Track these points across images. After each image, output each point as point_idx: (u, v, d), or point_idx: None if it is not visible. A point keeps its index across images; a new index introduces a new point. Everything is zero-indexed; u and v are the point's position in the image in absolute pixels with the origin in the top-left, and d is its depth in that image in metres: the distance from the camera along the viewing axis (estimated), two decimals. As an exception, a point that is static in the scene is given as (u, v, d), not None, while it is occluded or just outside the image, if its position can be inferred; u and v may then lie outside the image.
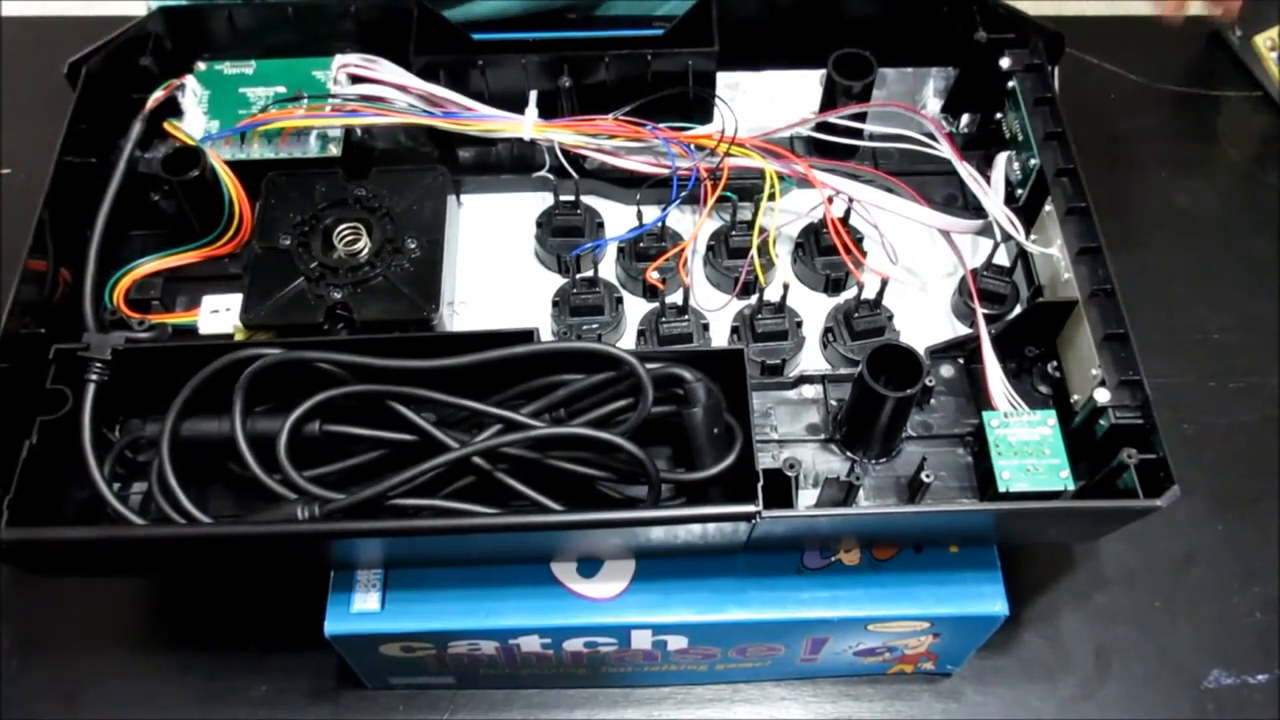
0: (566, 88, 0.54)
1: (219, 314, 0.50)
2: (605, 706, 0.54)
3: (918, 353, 0.45)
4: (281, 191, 0.52)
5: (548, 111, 0.54)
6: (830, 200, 0.52)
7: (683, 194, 0.52)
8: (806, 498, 0.47)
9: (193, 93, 0.55)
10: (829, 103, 0.56)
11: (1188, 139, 0.73)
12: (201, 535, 0.43)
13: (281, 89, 0.55)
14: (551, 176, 0.54)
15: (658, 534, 0.44)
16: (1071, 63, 0.56)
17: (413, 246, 0.50)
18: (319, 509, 0.42)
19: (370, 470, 0.45)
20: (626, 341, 0.52)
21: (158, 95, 0.54)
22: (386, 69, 0.54)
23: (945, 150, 0.54)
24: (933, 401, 0.50)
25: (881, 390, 0.44)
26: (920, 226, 0.54)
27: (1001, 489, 0.44)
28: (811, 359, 0.52)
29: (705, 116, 0.54)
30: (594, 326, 0.51)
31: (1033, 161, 0.52)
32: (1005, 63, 0.54)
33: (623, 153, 0.54)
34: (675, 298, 0.51)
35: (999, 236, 0.51)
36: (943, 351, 0.50)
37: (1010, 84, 0.54)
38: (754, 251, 0.51)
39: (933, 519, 0.45)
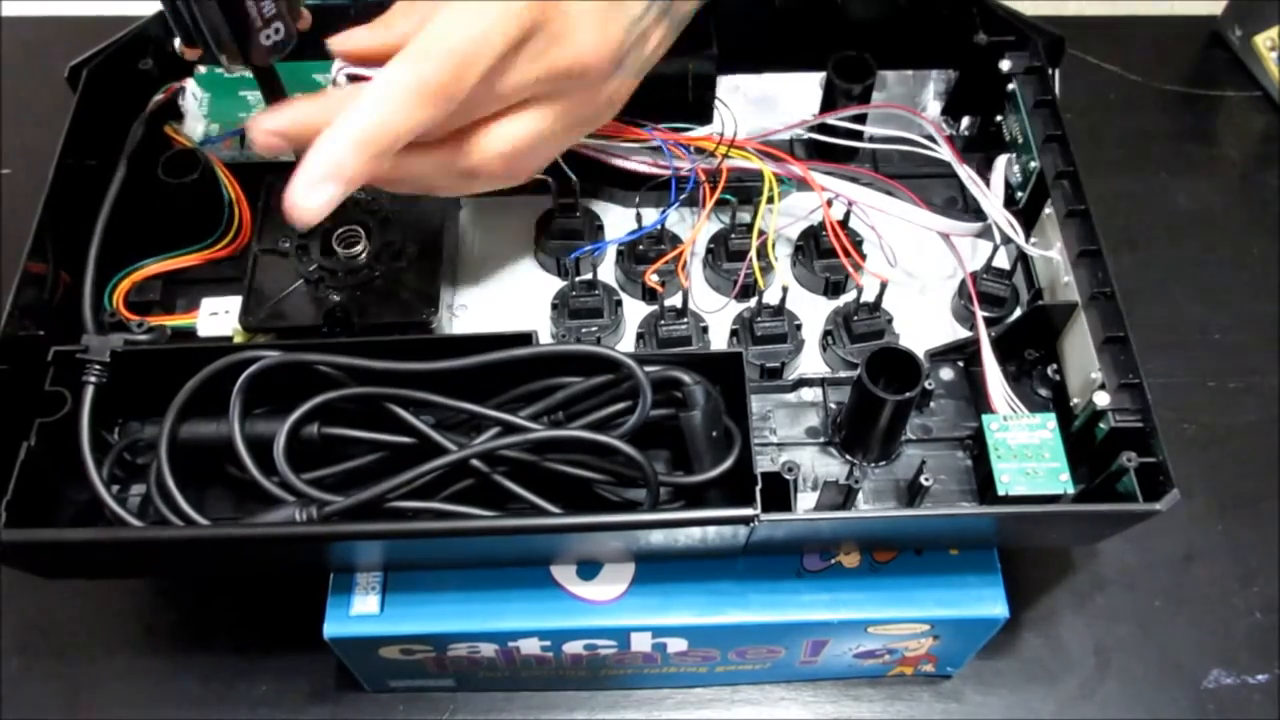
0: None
1: (218, 316, 0.50)
2: (605, 708, 0.54)
3: (917, 356, 0.45)
4: (281, 194, 0.52)
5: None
6: (829, 203, 0.52)
7: (682, 196, 0.52)
8: (806, 501, 0.47)
9: (193, 95, 0.55)
10: (829, 105, 0.56)
11: (1188, 139, 0.73)
12: (199, 537, 0.43)
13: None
14: (550, 178, 0.54)
15: (656, 537, 0.44)
16: (1071, 63, 0.56)
17: (412, 249, 0.50)
18: (316, 511, 0.42)
19: (369, 473, 0.45)
20: (626, 344, 0.52)
21: (158, 98, 0.54)
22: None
23: (945, 153, 0.54)
24: (932, 405, 0.50)
25: (881, 393, 0.44)
26: (920, 229, 0.54)
27: (1001, 492, 0.44)
28: (811, 362, 0.52)
29: (705, 118, 0.54)
30: (593, 329, 0.51)
31: (1033, 164, 0.52)
32: (1005, 65, 0.54)
33: (622, 153, 0.53)
34: (674, 300, 0.51)
35: (999, 239, 0.51)
36: (942, 354, 0.50)
37: (1010, 86, 0.53)
38: (753, 254, 0.51)
39: (932, 523, 0.45)
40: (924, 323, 0.52)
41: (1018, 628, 0.55)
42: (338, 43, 0.43)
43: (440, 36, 0.38)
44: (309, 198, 0.38)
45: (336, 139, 0.38)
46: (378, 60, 0.40)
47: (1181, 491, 0.41)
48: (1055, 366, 0.49)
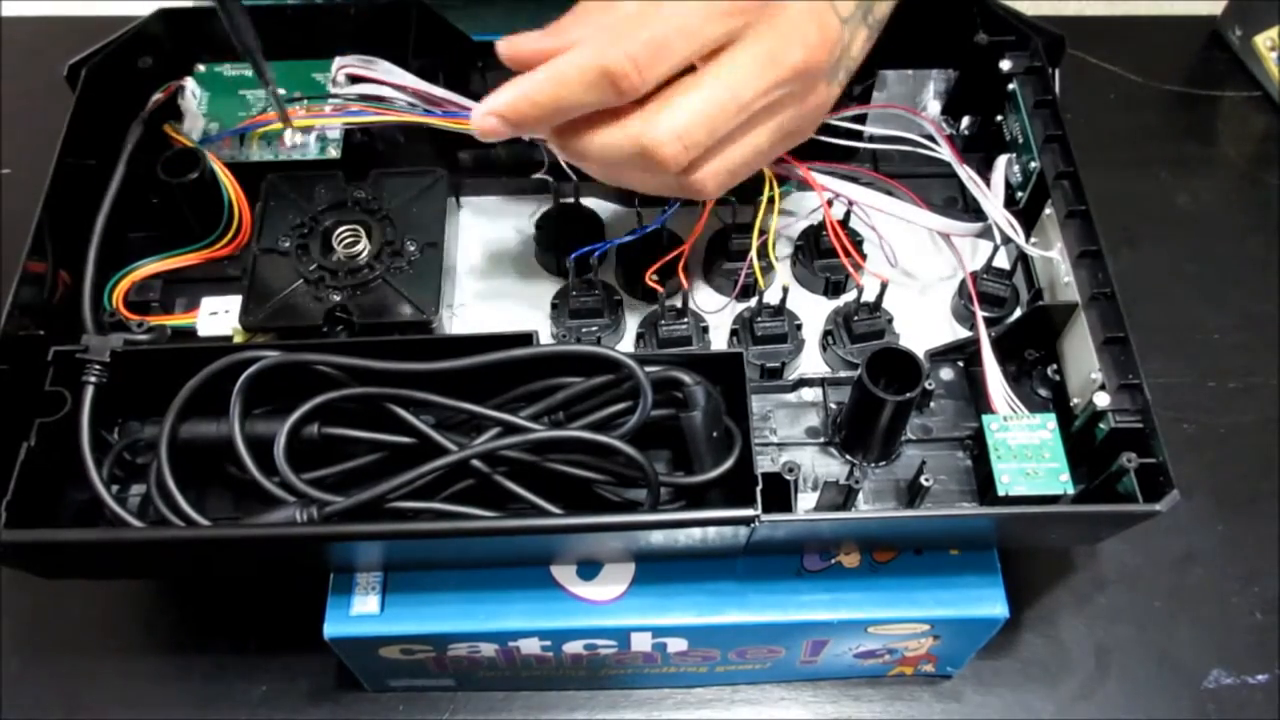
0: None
1: (218, 316, 0.50)
2: (605, 707, 0.54)
3: (917, 356, 0.45)
4: (280, 193, 0.52)
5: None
6: (830, 203, 0.52)
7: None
8: (806, 501, 0.47)
9: (192, 94, 0.55)
10: (829, 105, 0.56)
11: (1188, 139, 0.73)
12: (199, 538, 0.43)
13: (281, 91, 0.55)
14: (550, 178, 0.54)
15: (657, 537, 0.44)
16: (1072, 63, 0.56)
17: (412, 249, 0.50)
18: (317, 511, 0.42)
19: (369, 473, 0.45)
20: (626, 344, 0.52)
21: (157, 97, 0.54)
22: (385, 69, 0.54)
23: (945, 153, 0.53)
24: (932, 405, 0.50)
25: (881, 394, 0.44)
26: (920, 229, 0.54)
27: (1001, 493, 0.44)
28: (811, 362, 0.52)
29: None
30: (593, 329, 0.51)
31: (1033, 164, 0.51)
32: (1006, 65, 0.54)
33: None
34: (674, 300, 0.51)
35: (999, 239, 0.51)
36: (942, 354, 0.50)
37: (1010, 86, 0.53)
38: (753, 254, 0.51)
39: (932, 523, 0.45)
40: (924, 323, 0.52)
41: (1018, 628, 0.55)
42: (505, 45, 0.42)
43: (634, 22, 0.38)
44: (478, 119, 0.41)
45: (511, 88, 0.40)
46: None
47: (1181, 491, 0.41)
48: (1055, 366, 0.49)
